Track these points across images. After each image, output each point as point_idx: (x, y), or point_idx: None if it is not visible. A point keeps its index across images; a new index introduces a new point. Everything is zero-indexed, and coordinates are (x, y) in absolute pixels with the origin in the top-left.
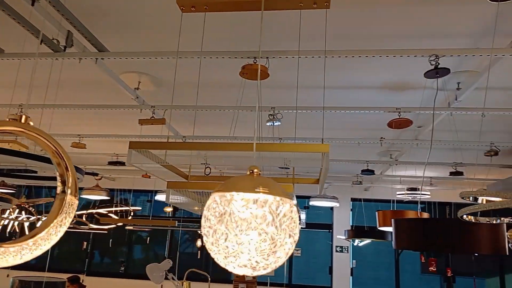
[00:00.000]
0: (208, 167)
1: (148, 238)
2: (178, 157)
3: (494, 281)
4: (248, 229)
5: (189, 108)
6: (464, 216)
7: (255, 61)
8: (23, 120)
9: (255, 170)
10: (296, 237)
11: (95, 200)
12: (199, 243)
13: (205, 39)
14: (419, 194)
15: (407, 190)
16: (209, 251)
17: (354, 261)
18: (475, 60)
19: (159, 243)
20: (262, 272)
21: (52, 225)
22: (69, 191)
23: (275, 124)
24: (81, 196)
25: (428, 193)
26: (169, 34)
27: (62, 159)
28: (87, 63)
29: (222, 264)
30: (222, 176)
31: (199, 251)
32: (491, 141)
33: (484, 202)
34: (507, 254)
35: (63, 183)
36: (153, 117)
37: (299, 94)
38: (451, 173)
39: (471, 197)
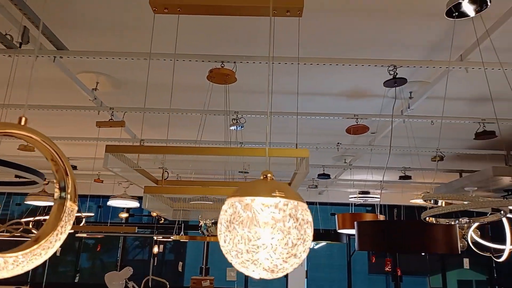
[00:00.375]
0: (166, 171)
1: (99, 245)
2: (141, 162)
3: (437, 278)
4: (270, 232)
5: (150, 110)
6: (427, 218)
7: (222, 65)
8: (22, 122)
9: (269, 175)
10: (310, 241)
11: (42, 207)
12: (155, 249)
13: (171, 41)
14: (370, 197)
15: (359, 193)
16: (226, 255)
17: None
18: (427, 71)
19: (109, 251)
20: (279, 275)
21: (53, 233)
22: (68, 197)
23: (239, 128)
24: (25, 202)
25: (378, 196)
26: (134, 34)
27: (62, 163)
28: (44, 62)
29: (239, 268)
30: (195, 181)
31: (155, 258)
32: (437, 147)
33: (444, 204)
34: (459, 252)
35: (62, 189)
36: (111, 119)
37: (262, 99)
38: (401, 177)
39: (432, 200)
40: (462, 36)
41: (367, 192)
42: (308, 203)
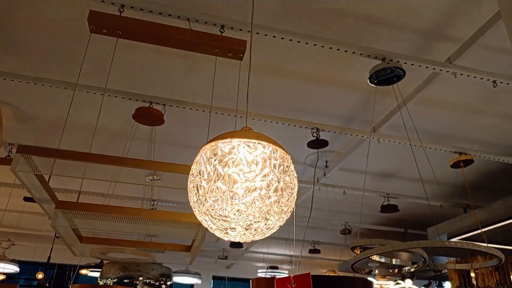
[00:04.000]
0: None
1: None
2: None
3: None
4: (257, 174)
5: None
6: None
7: (151, 105)
8: None
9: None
10: (295, 194)
11: None
12: (40, 275)
13: (98, 75)
14: (279, 272)
15: (268, 268)
16: (200, 216)
17: None
18: (342, 141)
19: None
20: (258, 236)
21: None
22: None
23: (155, 179)
24: None
25: (287, 271)
26: (60, 63)
27: None
28: None
29: (216, 225)
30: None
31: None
32: (346, 221)
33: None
34: None
35: None
36: (8, 156)
37: (186, 153)
38: (310, 251)
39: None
40: (379, 108)
41: (276, 268)
42: (217, 278)
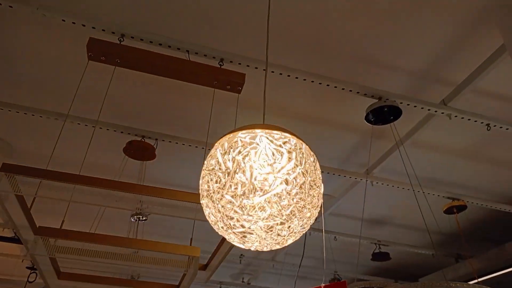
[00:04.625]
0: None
1: None
2: None
3: None
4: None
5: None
6: None
7: (143, 139)
8: None
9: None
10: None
11: None
12: None
13: (89, 107)
14: None
15: None
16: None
17: None
18: (334, 184)
19: None
20: (279, 243)
21: None
22: None
23: (141, 220)
24: None
25: None
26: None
27: None
28: None
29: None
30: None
31: None
32: (335, 269)
33: None
34: None
35: None
36: None
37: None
38: None
39: None
40: (373, 150)
41: None
42: None
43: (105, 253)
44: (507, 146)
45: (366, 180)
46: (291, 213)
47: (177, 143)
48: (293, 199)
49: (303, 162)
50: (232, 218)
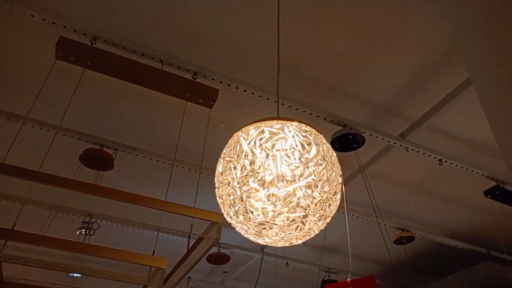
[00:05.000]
0: None
1: None
2: None
3: None
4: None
5: None
6: None
7: (102, 148)
8: None
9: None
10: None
11: None
12: None
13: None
14: None
15: None
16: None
17: None
18: None
19: None
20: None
21: None
22: None
23: (88, 234)
24: None
25: None
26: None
27: None
28: None
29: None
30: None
31: None
32: None
33: None
34: None
35: None
36: None
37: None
38: None
39: None
40: None
41: None
42: None
43: (53, 263)
44: (455, 183)
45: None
46: (318, 206)
47: (137, 155)
48: (321, 193)
49: (328, 157)
50: (249, 213)
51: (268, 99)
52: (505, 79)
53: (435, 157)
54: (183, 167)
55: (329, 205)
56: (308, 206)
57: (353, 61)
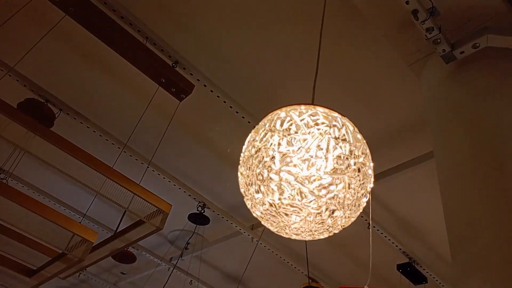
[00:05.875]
0: None
1: None
2: None
3: None
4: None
5: None
6: None
7: (47, 103)
8: None
9: None
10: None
11: None
12: None
13: None
14: None
15: None
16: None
17: None
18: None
19: None
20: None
21: None
22: None
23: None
24: None
25: None
26: None
27: None
28: None
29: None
30: None
31: None
32: None
33: None
34: None
35: None
36: None
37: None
38: None
39: None
40: None
41: None
42: None
43: None
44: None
45: (250, 235)
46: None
47: (82, 123)
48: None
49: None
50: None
51: (243, 117)
52: (466, 155)
53: (366, 219)
54: (131, 155)
55: (358, 205)
56: (340, 204)
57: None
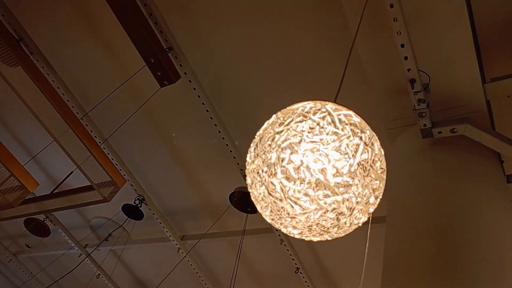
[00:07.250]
0: None
1: None
2: None
3: None
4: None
5: None
6: None
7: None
8: None
9: None
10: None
11: None
12: None
13: None
14: None
15: None
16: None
17: None
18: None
19: None
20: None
21: None
22: None
23: None
24: None
25: None
26: None
27: None
28: None
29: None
30: None
31: None
32: None
33: None
34: None
35: None
36: None
37: None
38: None
39: None
40: None
41: None
42: None
43: None
44: None
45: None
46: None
47: (48, 74)
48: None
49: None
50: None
51: (215, 125)
52: (419, 225)
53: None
54: (87, 125)
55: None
56: (350, 210)
57: None
